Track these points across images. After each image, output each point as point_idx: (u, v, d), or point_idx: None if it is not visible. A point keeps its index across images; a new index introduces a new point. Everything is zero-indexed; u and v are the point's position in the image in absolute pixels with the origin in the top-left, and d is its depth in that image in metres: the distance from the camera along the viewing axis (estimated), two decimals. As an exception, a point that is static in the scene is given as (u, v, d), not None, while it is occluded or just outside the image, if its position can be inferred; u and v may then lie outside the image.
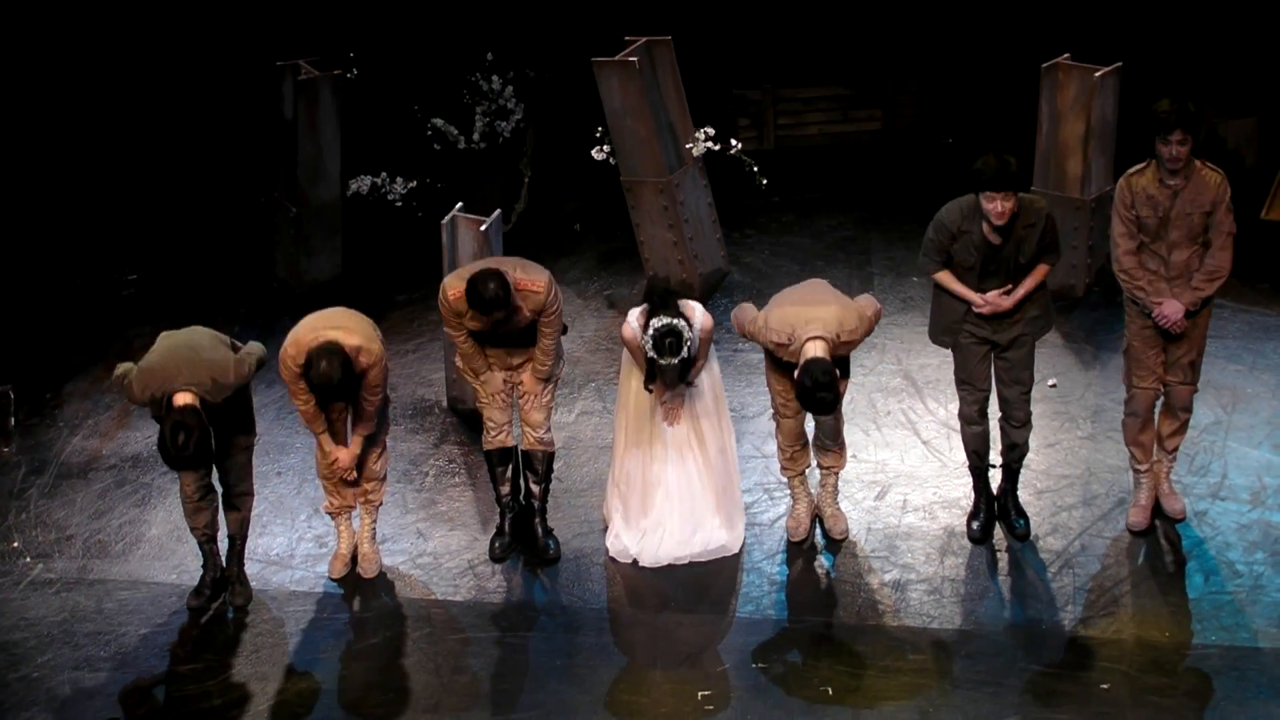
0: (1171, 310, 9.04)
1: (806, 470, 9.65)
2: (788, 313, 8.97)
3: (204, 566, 9.51)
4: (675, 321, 9.01)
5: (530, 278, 9.12)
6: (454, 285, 9.15)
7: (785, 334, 8.89)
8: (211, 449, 8.92)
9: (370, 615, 9.32)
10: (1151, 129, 8.86)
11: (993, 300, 9.06)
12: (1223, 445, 10.15)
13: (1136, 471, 9.55)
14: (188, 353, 8.85)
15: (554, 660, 8.86)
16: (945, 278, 9.15)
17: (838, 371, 8.81)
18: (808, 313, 8.91)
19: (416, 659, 8.94)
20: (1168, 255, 9.03)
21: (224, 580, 9.51)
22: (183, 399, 8.71)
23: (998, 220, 8.80)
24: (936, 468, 10.21)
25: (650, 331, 9.01)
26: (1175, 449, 9.52)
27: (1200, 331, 9.19)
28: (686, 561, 9.52)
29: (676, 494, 9.55)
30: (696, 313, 9.27)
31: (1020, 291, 9.04)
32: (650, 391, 9.34)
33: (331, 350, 8.84)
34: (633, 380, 9.47)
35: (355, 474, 9.50)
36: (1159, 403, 9.40)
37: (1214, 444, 10.16)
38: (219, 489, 9.39)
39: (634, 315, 9.29)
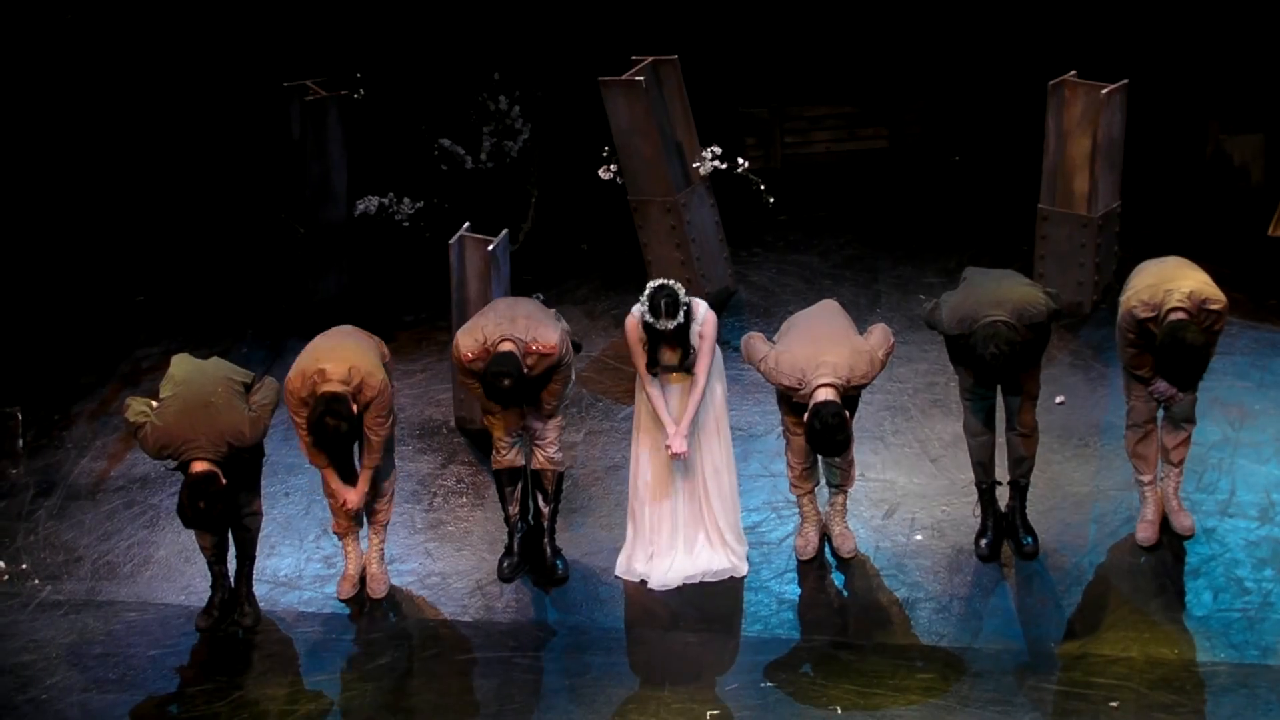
0: (1165, 387, 9.15)
1: (815, 488, 9.65)
2: (798, 356, 9.00)
3: (212, 587, 9.51)
4: (670, 282, 9.08)
5: (543, 340, 9.14)
6: (467, 346, 9.18)
7: (795, 378, 8.94)
8: (229, 507, 9.00)
9: (379, 636, 9.32)
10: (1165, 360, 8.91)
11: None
12: (1231, 462, 10.14)
13: (1141, 484, 9.54)
14: (204, 414, 8.89)
15: (563, 680, 8.86)
16: None
17: (847, 413, 8.85)
18: (818, 356, 8.94)
19: (425, 679, 8.94)
20: None
21: (232, 601, 9.51)
22: (200, 467, 8.78)
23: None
24: (944, 486, 10.20)
25: (645, 293, 9.07)
26: (1181, 461, 9.50)
27: None
28: (696, 582, 9.52)
29: (684, 516, 9.55)
30: (700, 307, 9.29)
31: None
32: (655, 374, 9.31)
33: (335, 402, 8.91)
34: (643, 410, 9.47)
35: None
36: (1161, 415, 9.41)
37: (1222, 461, 10.14)
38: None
39: (637, 309, 9.30)
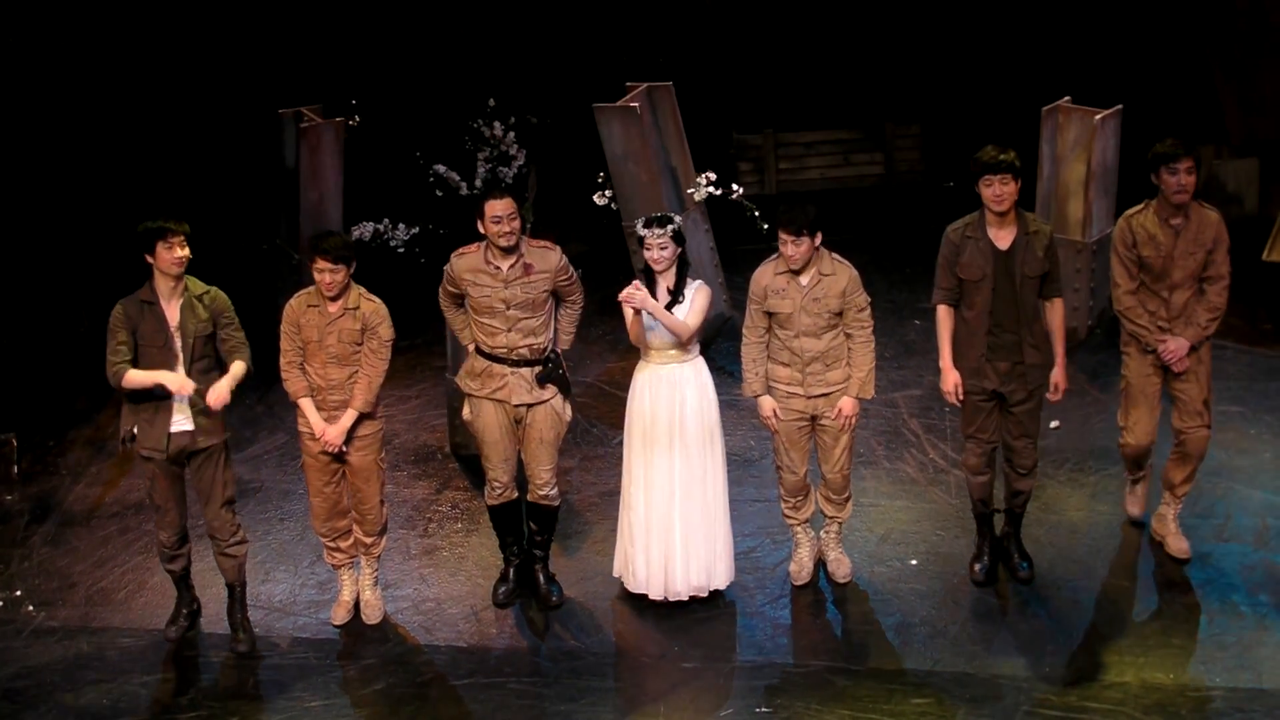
0: (1177, 346, 9.08)
1: (809, 517, 9.64)
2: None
3: (178, 598, 9.50)
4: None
5: (542, 239, 9.40)
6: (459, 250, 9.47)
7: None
8: None
9: (373, 661, 9.30)
10: (1155, 163, 8.94)
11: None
12: (1226, 487, 10.14)
13: (1136, 482, 9.69)
14: None
15: (558, 705, 8.83)
16: (945, 322, 9.27)
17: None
18: None
19: (419, 705, 8.91)
20: (1169, 296, 9.06)
21: (198, 610, 9.50)
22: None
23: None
24: (939, 510, 10.20)
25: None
26: (1184, 495, 9.53)
27: (1205, 369, 9.22)
28: (694, 592, 9.45)
29: (682, 529, 9.45)
30: (695, 282, 9.41)
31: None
32: (649, 268, 9.31)
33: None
34: (635, 430, 9.44)
35: (352, 511, 9.55)
36: (1170, 449, 9.43)
37: (1217, 486, 10.15)
38: (191, 538, 9.39)
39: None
